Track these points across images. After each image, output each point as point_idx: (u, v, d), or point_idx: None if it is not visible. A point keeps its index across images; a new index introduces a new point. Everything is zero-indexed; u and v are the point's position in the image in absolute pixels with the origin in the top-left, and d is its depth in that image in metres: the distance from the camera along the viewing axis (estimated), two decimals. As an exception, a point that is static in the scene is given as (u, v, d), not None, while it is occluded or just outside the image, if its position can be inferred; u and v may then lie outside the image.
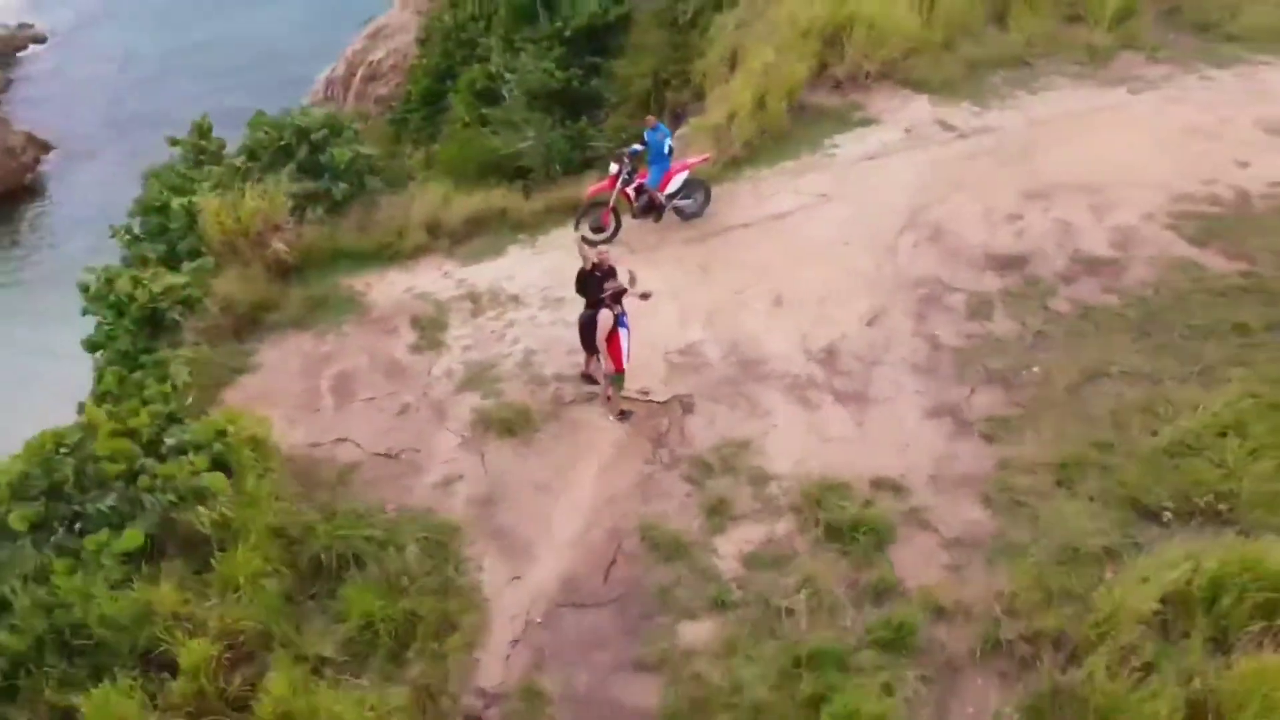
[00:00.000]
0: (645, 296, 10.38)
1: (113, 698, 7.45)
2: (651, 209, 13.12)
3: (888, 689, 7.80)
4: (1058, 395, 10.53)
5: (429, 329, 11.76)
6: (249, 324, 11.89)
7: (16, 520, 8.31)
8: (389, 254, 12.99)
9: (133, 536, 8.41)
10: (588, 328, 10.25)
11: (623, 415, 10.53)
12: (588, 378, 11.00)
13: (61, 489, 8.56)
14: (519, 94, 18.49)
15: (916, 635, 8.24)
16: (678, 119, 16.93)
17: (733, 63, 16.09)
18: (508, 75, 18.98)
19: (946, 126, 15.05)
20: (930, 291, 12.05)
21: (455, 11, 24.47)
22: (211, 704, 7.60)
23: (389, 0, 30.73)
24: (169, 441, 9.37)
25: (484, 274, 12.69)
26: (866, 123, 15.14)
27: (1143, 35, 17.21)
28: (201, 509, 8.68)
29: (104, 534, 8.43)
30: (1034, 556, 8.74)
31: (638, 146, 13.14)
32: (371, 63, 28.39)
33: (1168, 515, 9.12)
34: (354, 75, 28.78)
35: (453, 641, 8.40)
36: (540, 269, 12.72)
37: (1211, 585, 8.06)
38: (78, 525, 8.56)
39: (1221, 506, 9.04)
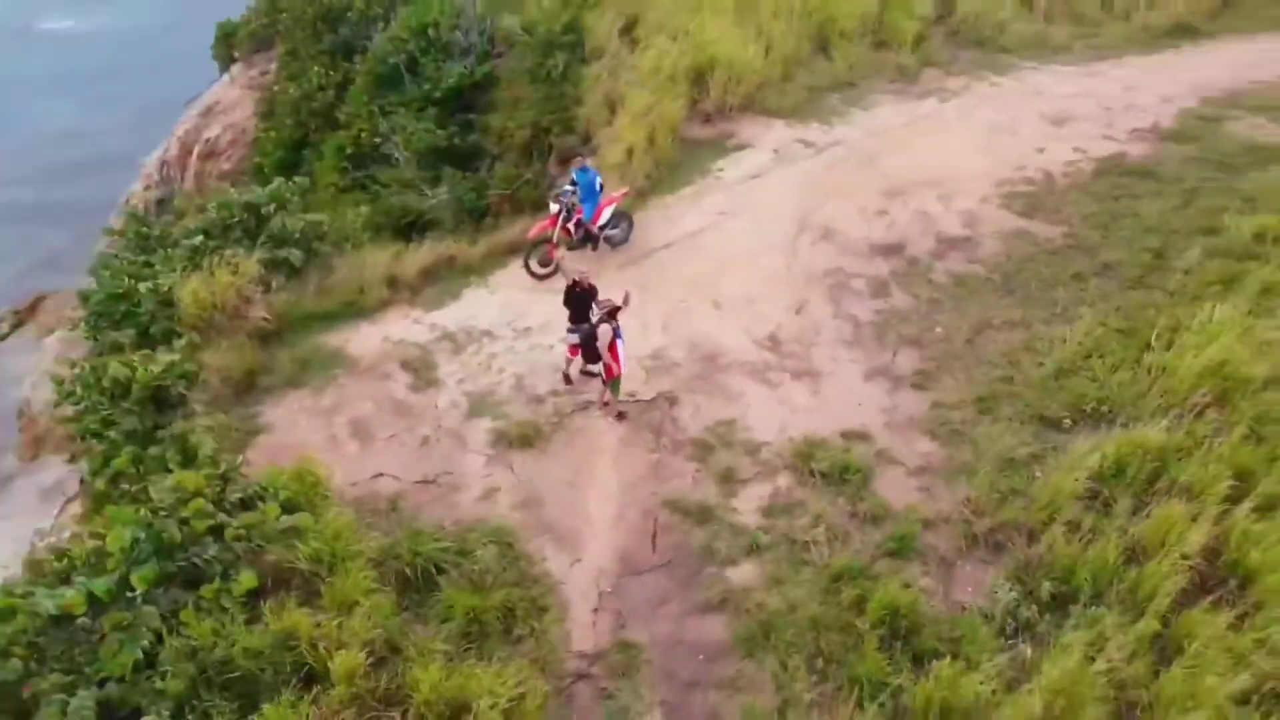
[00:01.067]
0: (625, 302, 12.00)
1: (282, 715, 8.35)
2: (588, 240, 14.83)
3: (906, 585, 9.82)
4: (959, 347, 13.04)
5: (421, 370, 12.94)
6: (246, 390, 12.63)
7: (139, 581, 8.97)
8: (355, 310, 14.00)
9: (248, 579, 9.25)
10: (590, 342, 11.82)
11: (620, 416, 12.16)
12: (568, 378, 12.60)
13: (171, 550, 9.26)
14: (409, 154, 19.62)
15: (914, 543, 10.33)
16: (565, 162, 18.70)
17: (611, 108, 18.04)
18: (393, 138, 20.04)
19: (806, 144, 17.62)
20: (836, 280, 14.39)
21: (300, 83, 25.18)
22: (368, 703, 8.63)
23: (206, 79, 30.82)
24: (233, 496, 10.20)
25: (450, 317, 13.96)
26: (740, 148, 17.49)
27: (937, 54, 20.57)
28: (297, 546, 9.62)
29: (216, 582, 9.23)
30: (982, 470, 11.08)
31: (569, 187, 14.81)
32: (208, 140, 28.38)
33: (1067, 423, 11.70)
34: (189, 154, 28.64)
35: (547, 619, 9.75)
36: (498, 305, 14.14)
37: (1116, 464, 10.62)
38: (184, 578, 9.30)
39: (1103, 409, 11.72)
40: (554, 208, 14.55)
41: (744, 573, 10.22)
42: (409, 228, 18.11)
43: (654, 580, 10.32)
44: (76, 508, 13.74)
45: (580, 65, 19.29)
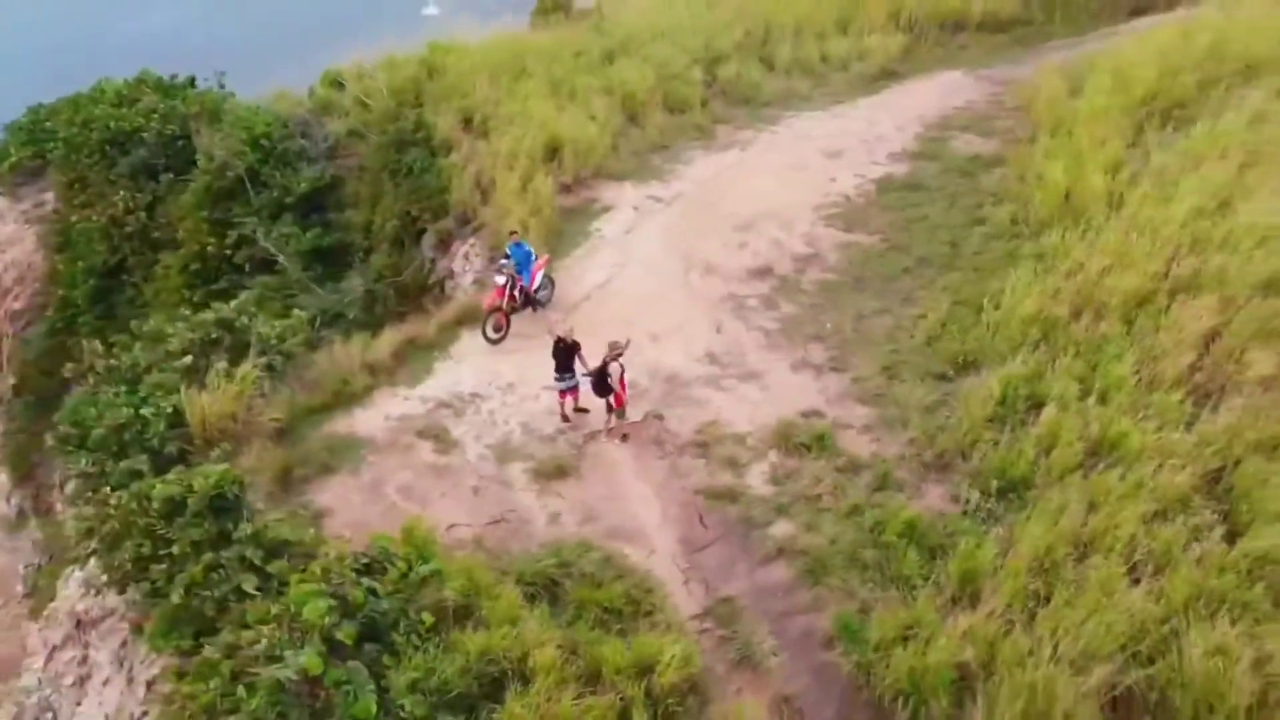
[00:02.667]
0: (625, 345, 14.45)
1: (517, 710, 10.07)
2: (528, 304, 17.03)
3: (904, 505, 13.09)
4: (850, 336, 16.67)
5: (439, 436, 14.59)
6: (286, 485, 13.68)
7: (346, 637, 10.22)
8: (345, 398, 15.29)
9: (428, 618, 10.79)
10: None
11: (624, 437, 14.58)
12: (565, 417, 14.87)
13: (355, 611, 10.58)
14: (292, 256, 20.57)
15: (891, 479, 13.64)
16: (447, 247, 20.69)
17: (484, 190, 20.30)
18: (263, 242, 20.85)
19: (655, 199, 20.83)
20: (734, 303, 17.63)
21: (101, 208, 24.93)
22: (570, 685, 10.50)
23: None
24: (360, 563, 11.59)
25: (434, 389, 15.65)
26: (605, 209, 20.36)
27: (720, 113, 24.63)
28: (449, 588, 11.23)
29: (400, 627, 10.71)
30: (913, 418, 14.65)
31: (505, 261, 16.92)
32: (-11, 281, 26.90)
33: (950, 374, 15.60)
34: (-30, 298, 26.95)
35: (657, 597, 12.02)
36: (471, 372, 16.03)
37: (1002, 394, 14.51)
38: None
39: (970, 360, 15.73)
40: (500, 279, 16.64)
41: (782, 528, 13.04)
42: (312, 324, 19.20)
43: (716, 550, 12.89)
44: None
45: (432, 158, 21.33)
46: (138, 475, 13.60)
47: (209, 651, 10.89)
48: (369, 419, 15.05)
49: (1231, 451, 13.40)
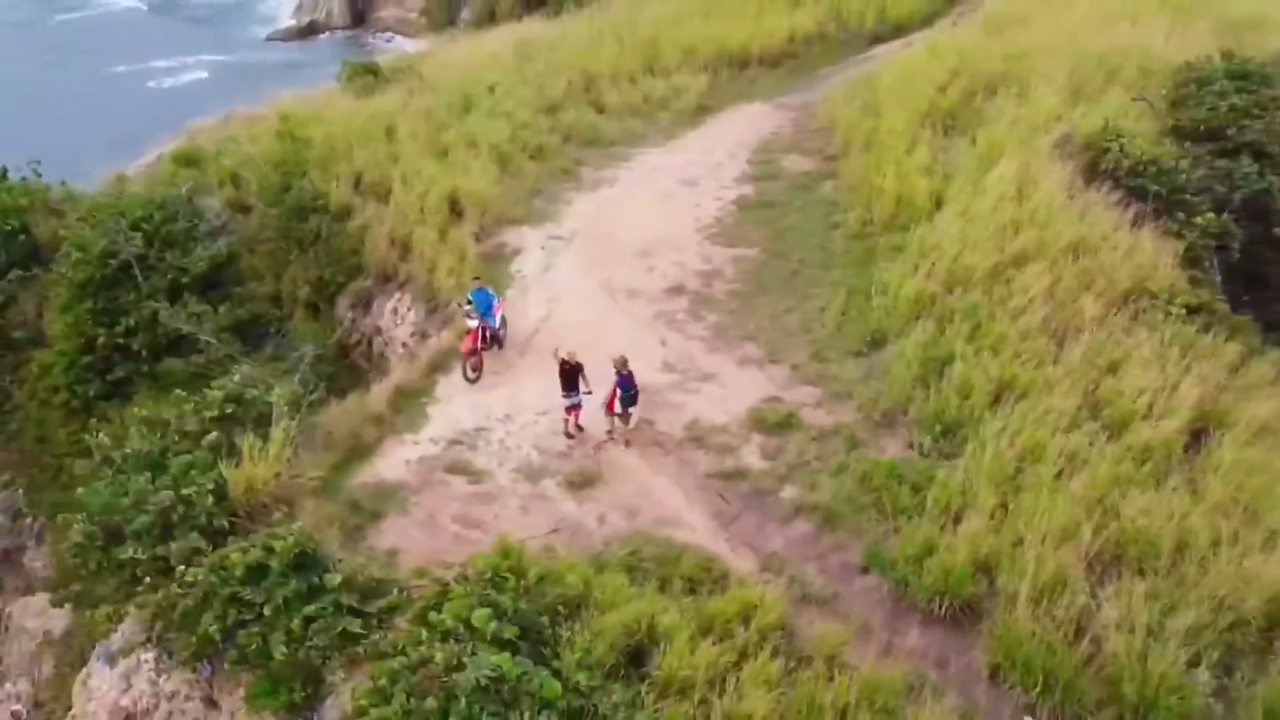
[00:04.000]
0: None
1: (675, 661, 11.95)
2: (492, 343, 18.54)
3: (878, 457, 16.01)
4: (773, 333, 19.51)
5: (466, 469, 15.93)
6: (346, 536, 14.58)
7: (510, 634, 11.64)
8: (361, 452, 16.25)
9: (563, 610, 12.39)
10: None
11: (628, 442, 16.61)
12: (569, 434, 16.71)
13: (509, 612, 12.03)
14: (213, 333, 20.63)
15: (859, 439, 16.56)
16: (368, 305, 21.64)
17: (400, 246, 21.48)
18: (185, 325, 20.73)
19: (556, 238, 22.82)
20: (666, 320, 20.01)
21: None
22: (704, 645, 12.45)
23: None
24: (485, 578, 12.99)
25: (440, 430, 16.89)
26: (517, 252, 22.10)
27: (579, 156, 26.95)
28: (564, 584, 12.87)
29: (547, 622, 12.27)
30: (856, 390, 17.65)
31: (468, 305, 18.33)
32: None
33: (864, 350, 18.82)
34: None
35: (720, 565, 14.17)
36: (467, 409, 17.42)
37: (920, 361, 17.87)
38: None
39: (877, 336, 19.02)
40: (472, 323, 18.08)
41: (790, 492, 15.62)
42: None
43: (745, 520, 15.26)
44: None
45: (334, 224, 22.20)
46: (198, 552, 14.03)
47: (376, 683, 11.83)
48: (391, 466, 16.13)
49: (1090, 375, 17.49)
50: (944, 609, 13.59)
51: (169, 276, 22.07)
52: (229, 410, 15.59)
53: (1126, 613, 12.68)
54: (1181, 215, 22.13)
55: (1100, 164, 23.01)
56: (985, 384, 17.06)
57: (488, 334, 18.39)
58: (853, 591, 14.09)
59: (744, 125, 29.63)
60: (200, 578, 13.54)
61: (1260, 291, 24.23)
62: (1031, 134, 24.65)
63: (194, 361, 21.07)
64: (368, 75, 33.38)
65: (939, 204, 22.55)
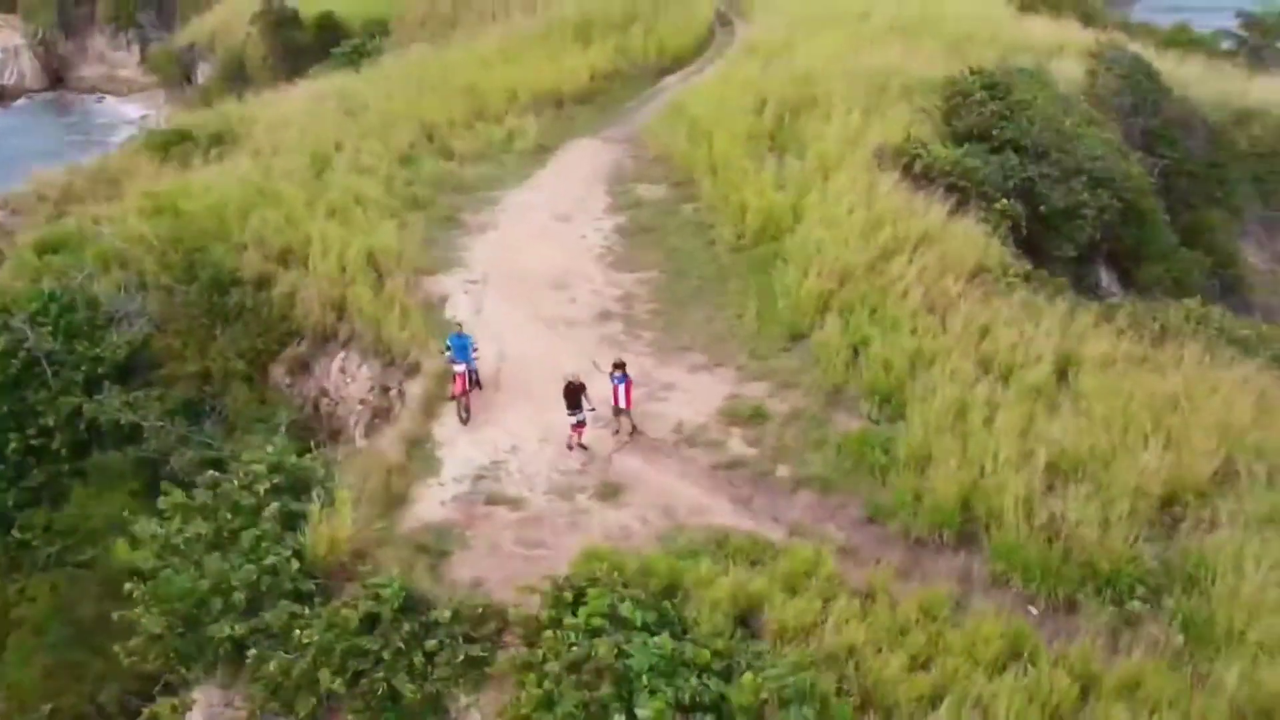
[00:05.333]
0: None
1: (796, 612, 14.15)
2: (474, 384, 19.72)
3: (843, 430, 18.96)
4: (705, 338, 22.05)
5: (502, 500, 17.20)
6: (429, 575, 15.52)
7: (665, 643, 13.33)
8: (395, 500, 17.06)
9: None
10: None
11: (634, 430, 18.60)
12: (582, 448, 18.45)
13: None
14: (160, 417, 20.09)
15: (817, 416, 19.44)
16: (307, 369, 21.95)
17: (336, 309, 21.99)
18: (130, 416, 20.01)
19: (471, 282, 24.10)
20: (609, 342, 21.96)
21: None
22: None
23: None
24: (567, 596, 14.55)
25: (458, 470, 17.97)
26: (444, 298, 23.18)
27: (449, 204, 28.15)
28: (658, 578, 14.72)
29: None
30: (803, 374, 20.53)
31: (447, 351, 19.39)
32: None
33: (789, 345, 21.79)
34: None
35: (763, 536, 16.50)
36: (473, 448, 18.59)
37: (850, 343, 21.09)
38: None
39: (796, 333, 22.04)
40: (459, 368, 19.20)
41: (785, 470, 18.20)
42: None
43: (760, 500, 17.68)
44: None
45: (257, 293, 22.31)
46: (296, 616, 14.53)
47: (534, 691, 13.14)
48: (430, 509, 17.12)
49: (971, 339, 21.47)
50: (942, 539, 16.76)
51: (82, 368, 21.22)
52: (276, 481, 15.97)
53: (1081, 512, 16.36)
54: (984, 204, 27.05)
55: (913, 168, 27.55)
56: (901, 358, 20.54)
57: (473, 376, 19.61)
58: (868, 539, 16.91)
59: (585, 160, 32.02)
60: (315, 637, 14.12)
61: (1037, 260, 29.81)
62: (849, 147, 28.88)
63: (131, 452, 20.52)
64: (183, 142, 32.63)
65: (798, 215, 26.12)
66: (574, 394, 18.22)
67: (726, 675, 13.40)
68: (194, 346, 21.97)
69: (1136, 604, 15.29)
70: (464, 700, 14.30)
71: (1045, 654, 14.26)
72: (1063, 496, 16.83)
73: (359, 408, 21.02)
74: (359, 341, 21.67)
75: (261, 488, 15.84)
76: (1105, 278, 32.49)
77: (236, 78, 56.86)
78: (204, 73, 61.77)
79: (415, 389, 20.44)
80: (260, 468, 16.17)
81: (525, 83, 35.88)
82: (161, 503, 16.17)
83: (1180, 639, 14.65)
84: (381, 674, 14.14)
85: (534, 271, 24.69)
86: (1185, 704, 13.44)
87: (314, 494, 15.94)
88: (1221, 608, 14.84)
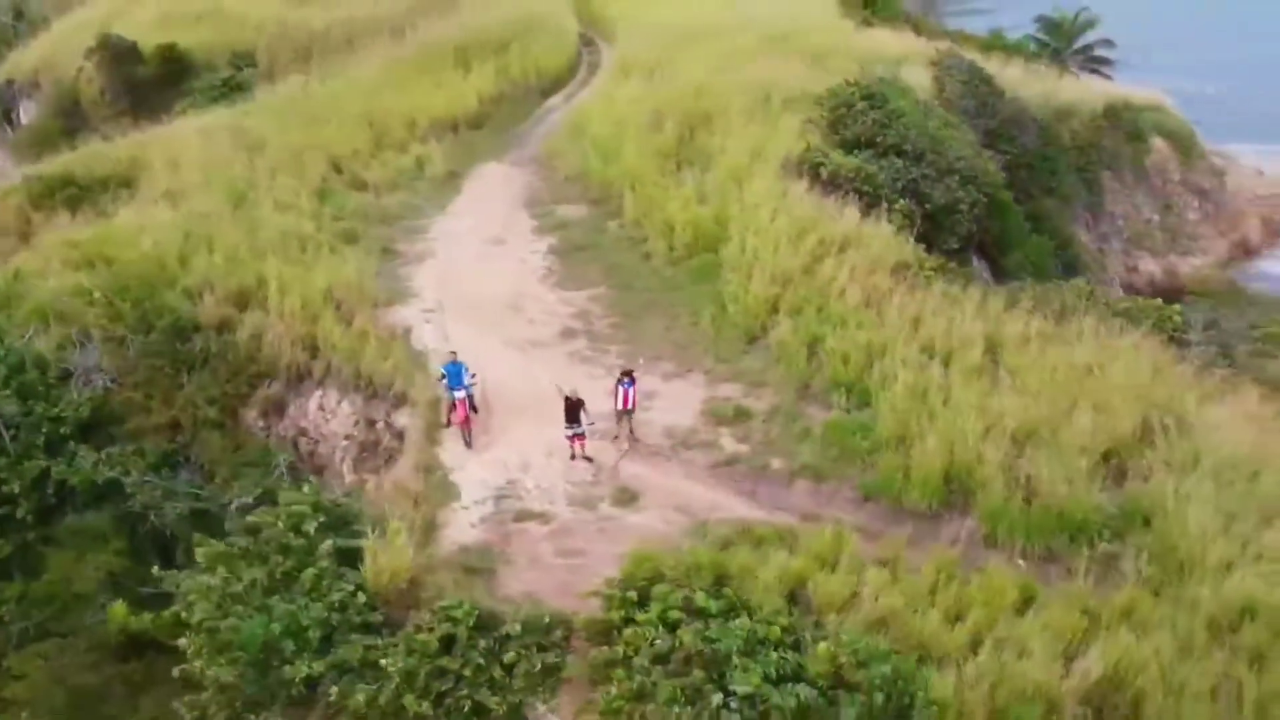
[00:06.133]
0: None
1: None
2: (472, 408, 20.21)
3: (822, 420, 20.61)
4: (669, 348, 23.28)
5: (529, 516, 17.90)
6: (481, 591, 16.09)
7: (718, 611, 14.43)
8: (429, 527, 17.45)
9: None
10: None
11: (632, 433, 19.66)
12: (588, 459, 19.37)
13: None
14: (144, 474, 19.49)
15: (795, 408, 21.02)
16: (280, 407, 21.79)
17: (310, 348, 21.93)
18: (109, 475, 19.29)
19: (430, 311, 24.42)
20: (579, 358, 22.90)
21: None
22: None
23: None
24: (631, 595, 15.54)
25: (477, 493, 18.51)
26: (408, 329, 23.40)
27: (376, 234, 28.22)
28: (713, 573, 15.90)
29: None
30: (767, 371, 22.07)
31: (443, 379, 19.80)
32: None
33: (748, 348, 23.33)
34: None
35: (783, 522, 17.90)
36: (485, 470, 19.23)
37: (805, 340, 22.79)
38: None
39: (751, 335, 23.62)
40: (460, 394, 19.66)
41: (778, 462, 19.68)
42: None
43: (764, 491, 19.11)
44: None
45: (220, 337, 21.98)
46: (372, 648, 14.85)
47: (625, 686, 14.04)
48: (461, 532, 17.62)
49: (908, 329, 23.64)
50: (931, 509, 18.66)
51: (43, 430, 20.33)
52: (323, 519, 16.12)
53: (1049, 472, 18.60)
54: (884, 206, 29.52)
55: (820, 175, 29.73)
56: (855, 351, 22.45)
57: (471, 401, 20.13)
58: (867, 516, 18.61)
59: (497, 185, 32.70)
60: (398, 664, 14.50)
61: (927, 253, 32.66)
62: (755, 159, 30.78)
63: (110, 511, 19.93)
64: (67, 187, 31.16)
65: (722, 226, 27.76)
66: (574, 409, 19.13)
67: (796, 647, 14.71)
68: (159, 397, 21.37)
69: (1106, 545, 17.62)
70: (541, 707, 15.02)
71: (1049, 597, 16.31)
72: (1030, 460, 19.04)
73: (344, 443, 21.09)
74: (336, 377, 21.71)
75: (310, 527, 15.97)
76: (979, 266, 35.87)
77: (70, 116, 53.64)
78: (29, 112, 57.54)
79: (404, 420, 20.74)
80: (304, 508, 16.27)
81: (420, 109, 36.13)
82: (200, 555, 16.02)
83: (1150, 570, 17.04)
84: (465, 691, 14.67)
85: (485, 296, 25.27)
86: (1172, 623, 15.73)
87: (365, 528, 16.19)
88: (1179, 540, 17.33)
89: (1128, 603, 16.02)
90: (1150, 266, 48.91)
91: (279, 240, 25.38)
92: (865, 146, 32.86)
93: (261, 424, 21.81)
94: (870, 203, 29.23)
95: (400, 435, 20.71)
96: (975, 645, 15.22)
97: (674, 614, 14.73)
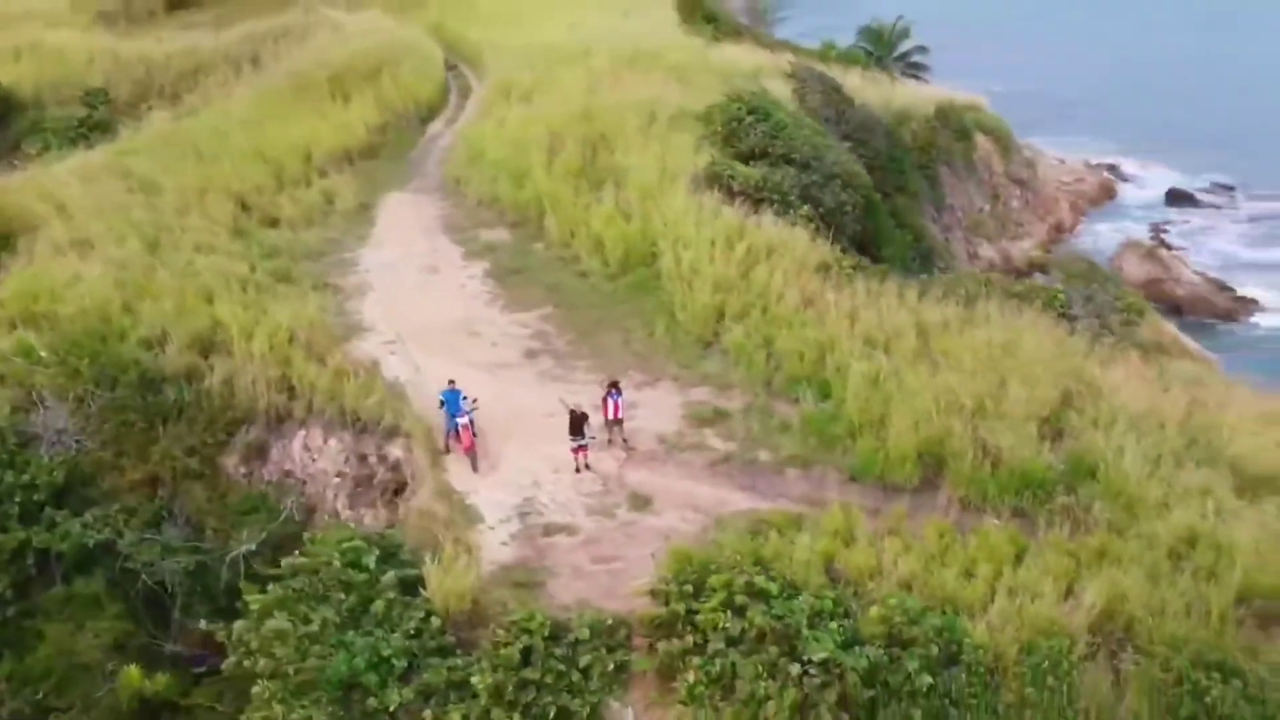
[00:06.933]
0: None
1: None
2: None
3: (797, 412, 22.26)
4: (630, 359, 24.35)
5: (556, 530, 18.61)
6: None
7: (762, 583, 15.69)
8: (465, 549, 17.86)
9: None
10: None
11: (625, 442, 20.72)
12: (587, 468, 20.28)
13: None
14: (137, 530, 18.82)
15: (766, 404, 22.58)
16: (261, 451, 21.50)
17: (287, 390, 21.72)
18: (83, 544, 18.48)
19: (391, 343, 24.51)
20: (549, 376, 23.66)
21: None
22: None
23: None
24: (686, 588, 16.67)
25: (495, 514, 19.09)
26: (375, 363, 23.43)
27: (304, 272, 27.91)
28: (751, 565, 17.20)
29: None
30: (731, 381, 23.53)
31: (442, 408, 20.17)
32: None
33: (704, 352, 24.73)
34: None
35: (792, 507, 19.35)
36: (499, 491, 19.81)
37: (758, 340, 24.38)
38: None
39: (705, 340, 25.04)
40: (463, 421, 20.08)
41: (767, 456, 21.17)
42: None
43: (763, 481, 20.55)
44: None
45: (189, 384, 21.47)
46: (455, 669, 15.32)
47: (710, 672, 15.15)
48: (495, 551, 18.19)
49: (845, 322, 25.69)
50: (910, 483, 20.62)
51: (16, 499, 19.33)
52: (379, 551, 16.34)
53: (1006, 440, 20.90)
54: (790, 212, 31.66)
55: (730, 187, 31.55)
56: (807, 348, 24.28)
57: (472, 426, 20.58)
58: (857, 495, 20.35)
59: (410, 214, 32.87)
60: (487, 680, 15.04)
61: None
62: (663, 175, 32.28)
63: (101, 576, 19.23)
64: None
65: (648, 240, 29.09)
66: (578, 422, 20.03)
67: (847, 615, 16.23)
68: (132, 454, 20.60)
69: (1063, 498, 20.06)
70: (615, 705, 15.91)
71: (1037, 547, 18.52)
72: (989, 431, 21.32)
73: (335, 481, 21.04)
74: (319, 416, 21.59)
75: (369, 560, 16.19)
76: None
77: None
78: None
79: (397, 451, 20.96)
80: (360, 543, 16.46)
81: (312, 142, 35.69)
82: (252, 603, 15.96)
83: (1107, 514, 19.57)
84: (549, 698, 15.39)
85: (439, 324, 25.62)
86: (1138, 557, 18.20)
87: (409, 556, 16.55)
88: (1123, 486, 19.94)
89: (1100, 544, 18.38)
90: (988, 252, 53.65)
91: (220, 283, 24.80)
92: (758, 158, 34.99)
93: (244, 470, 21.40)
94: (778, 211, 31.33)
95: (395, 467, 20.90)
96: (990, 595, 17.18)
97: (739, 598, 15.92)
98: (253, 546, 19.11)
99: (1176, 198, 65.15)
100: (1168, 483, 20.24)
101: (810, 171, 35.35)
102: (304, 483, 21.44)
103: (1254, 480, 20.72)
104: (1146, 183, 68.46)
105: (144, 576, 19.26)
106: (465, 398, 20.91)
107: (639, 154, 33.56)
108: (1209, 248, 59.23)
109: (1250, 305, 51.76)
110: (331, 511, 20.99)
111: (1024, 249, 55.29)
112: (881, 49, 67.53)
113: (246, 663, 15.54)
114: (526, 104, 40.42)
